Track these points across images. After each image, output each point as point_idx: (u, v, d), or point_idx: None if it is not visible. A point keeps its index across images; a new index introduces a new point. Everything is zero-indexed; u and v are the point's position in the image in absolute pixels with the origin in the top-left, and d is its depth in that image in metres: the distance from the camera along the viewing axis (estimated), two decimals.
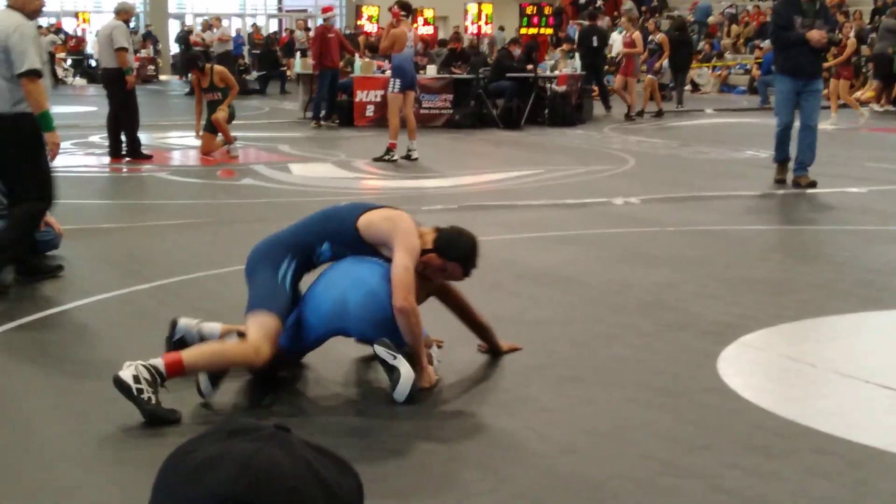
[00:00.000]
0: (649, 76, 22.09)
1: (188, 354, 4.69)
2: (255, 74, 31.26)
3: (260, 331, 4.76)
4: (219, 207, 10.47)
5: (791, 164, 11.92)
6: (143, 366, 4.54)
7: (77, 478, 4.05)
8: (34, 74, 6.60)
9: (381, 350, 4.81)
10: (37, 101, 6.66)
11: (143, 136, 14.93)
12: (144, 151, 14.03)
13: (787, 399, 4.95)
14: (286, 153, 15.07)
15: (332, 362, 5.39)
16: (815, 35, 11.31)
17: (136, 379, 4.49)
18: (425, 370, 4.95)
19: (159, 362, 4.59)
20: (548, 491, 3.93)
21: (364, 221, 5.12)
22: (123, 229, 9.19)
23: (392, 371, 4.79)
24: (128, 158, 13.84)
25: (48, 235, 7.78)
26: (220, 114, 14.39)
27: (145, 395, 4.49)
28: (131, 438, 4.43)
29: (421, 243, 5.09)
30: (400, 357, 4.79)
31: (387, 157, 14.16)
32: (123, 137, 13.94)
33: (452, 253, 5.16)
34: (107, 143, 14.28)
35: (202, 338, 5.26)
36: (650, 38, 23.06)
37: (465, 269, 5.22)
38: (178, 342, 5.24)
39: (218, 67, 15.12)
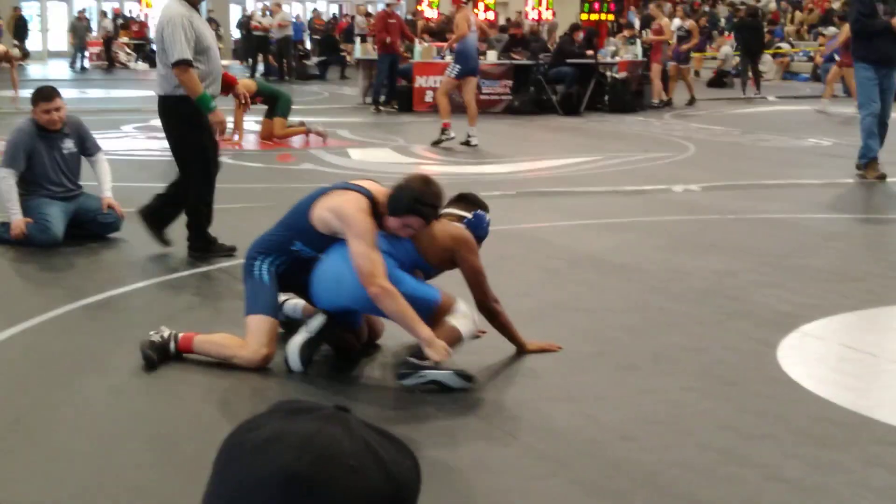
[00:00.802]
0: (673, 63, 21.54)
1: (201, 338, 5.11)
2: (314, 60, 31.40)
3: (254, 335, 5.01)
4: (279, 191, 10.50)
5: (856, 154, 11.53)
6: (168, 331, 5.13)
7: (133, 455, 4.09)
8: (184, 64, 6.99)
9: (409, 382, 4.75)
10: (190, 87, 7.07)
11: None
12: None
13: (848, 389, 4.90)
14: (345, 138, 15.12)
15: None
16: None
17: (157, 333, 5.13)
18: (433, 345, 4.66)
19: (179, 335, 5.13)
20: (605, 477, 3.91)
21: (315, 217, 5.00)
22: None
23: (434, 383, 4.74)
24: None
25: (110, 218, 7.87)
26: (278, 130, 14.34)
27: (153, 336, 5.10)
28: (185, 416, 4.47)
29: (381, 209, 4.93)
30: (424, 370, 4.71)
31: (444, 138, 14.16)
32: None
33: (401, 207, 4.90)
34: None
35: (284, 314, 5.52)
36: (680, 24, 22.58)
37: (422, 215, 4.93)
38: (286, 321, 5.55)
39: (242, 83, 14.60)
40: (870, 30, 11.11)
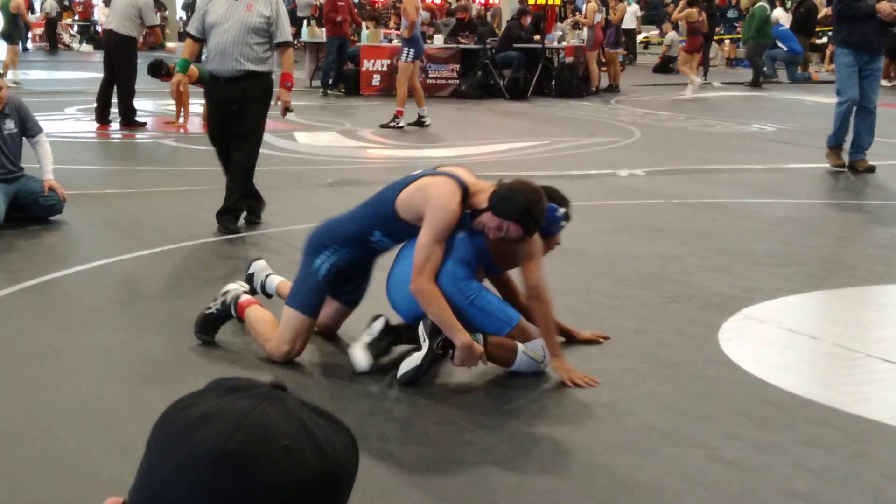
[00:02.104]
0: (609, 50, 21.45)
1: (251, 311, 5.07)
2: None
3: (283, 330, 4.88)
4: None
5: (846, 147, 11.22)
6: (232, 293, 5.19)
7: (76, 437, 4.06)
8: (185, 35, 8.04)
9: (420, 329, 4.68)
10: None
11: (149, 104, 14.94)
12: (139, 119, 13.92)
13: (788, 371, 4.95)
14: (292, 121, 15.02)
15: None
16: (886, 7, 10.54)
17: (220, 297, 5.22)
18: (466, 348, 4.55)
19: (239, 298, 5.17)
20: (545, 457, 3.93)
21: (401, 201, 4.72)
22: (127, 195, 9.18)
23: (414, 351, 4.70)
24: (120, 126, 13.74)
25: (51, 200, 7.78)
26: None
27: (210, 308, 5.20)
28: (128, 398, 4.44)
29: (476, 202, 4.67)
30: (428, 343, 4.61)
31: (392, 124, 14.23)
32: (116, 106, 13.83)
33: (508, 210, 4.58)
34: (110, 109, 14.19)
35: (263, 286, 5.53)
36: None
37: (525, 227, 4.62)
38: (249, 276, 5.62)
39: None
40: (853, 13, 10.74)
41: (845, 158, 11.17)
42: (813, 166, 11.50)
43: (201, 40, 7.78)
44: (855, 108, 10.93)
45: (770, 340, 5.50)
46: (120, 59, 13.47)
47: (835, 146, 11.19)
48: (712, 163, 11.71)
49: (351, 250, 4.89)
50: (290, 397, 1.14)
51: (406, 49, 14.52)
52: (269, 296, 5.51)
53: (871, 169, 10.98)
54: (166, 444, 1.11)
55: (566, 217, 5.13)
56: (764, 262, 6.98)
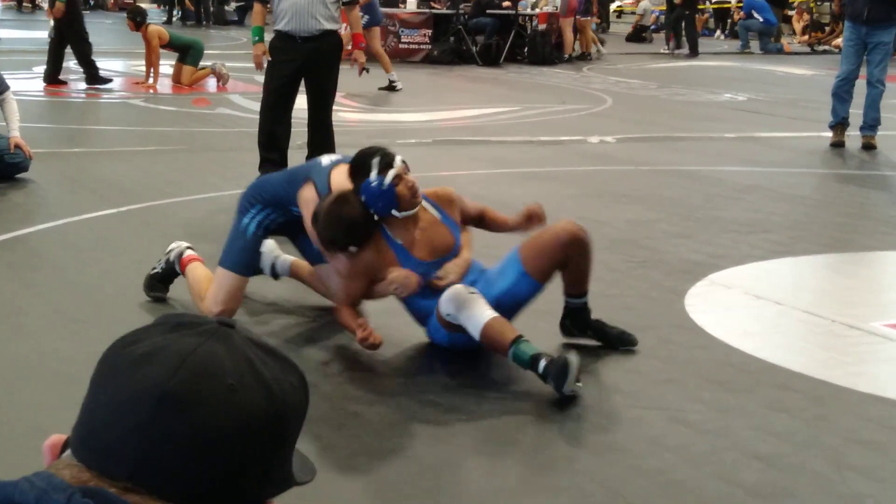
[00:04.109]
0: (580, 18, 21.32)
1: (191, 268, 5.04)
2: (233, 5, 30.90)
3: (215, 290, 4.85)
4: (192, 135, 10.38)
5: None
6: (175, 251, 5.17)
7: (39, 394, 4.03)
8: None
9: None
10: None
11: (119, 65, 14.80)
12: (103, 75, 13.76)
13: (752, 336, 4.97)
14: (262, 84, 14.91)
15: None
16: None
17: (164, 256, 5.19)
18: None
19: (183, 255, 5.13)
20: (506, 422, 3.93)
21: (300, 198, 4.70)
22: (94, 154, 9.11)
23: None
24: (87, 86, 13.59)
25: (18, 158, 7.69)
26: (185, 78, 14.12)
27: (154, 268, 5.20)
28: (91, 355, 4.40)
29: None
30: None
31: (392, 85, 14.63)
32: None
33: (331, 246, 4.52)
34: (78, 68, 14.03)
35: (272, 265, 5.31)
36: None
37: (350, 246, 4.45)
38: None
39: (154, 29, 14.15)
40: None
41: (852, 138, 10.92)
42: (782, 135, 11.53)
43: (267, 1, 8.00)
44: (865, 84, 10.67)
45: (736, 306, 5.52)
46: (64, 19, 13.24)
47: (834, 124, 10.88)
48: (682, 131, 11.73)
49: (275, 212, 4.84)
50: (237, 334, 1.10)
51: (362, 15, 14.51)
52: (277, 277, 5.35)
53: (868, 146, 10.70)
54: (108, 381, 1.08)
55: (392, 180, 4.44)
56: (731, 229, 7.00)
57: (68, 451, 1.07)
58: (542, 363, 4.05)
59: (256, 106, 12.38)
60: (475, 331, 4.19)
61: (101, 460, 1.04)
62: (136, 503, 1.01)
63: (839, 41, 23.23)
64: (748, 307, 5.48)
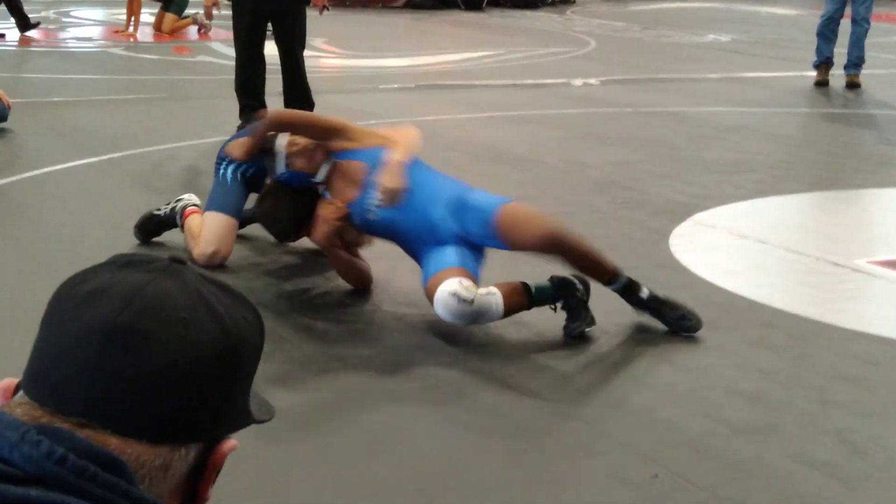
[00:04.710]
0: None
1: (190, 219, 4.96)
2: None
3: (205, 232, 4.86)
4: (173, 84, 10.30)
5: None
6: (184, 202, 5.10)
7: (17, 345, 4.00)
8: None
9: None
10: None
11: (98, 13, 14.63)
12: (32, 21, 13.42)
13: (736, 275, 4.97)
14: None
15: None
16: None
17: (172, 202, 5.14)
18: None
19: (185, 210, 5.04)
20: (482, 356, 3.93)
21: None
22: (74, 103, 9.02)
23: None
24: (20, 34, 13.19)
25: None
26: (167, 26, 13.93)
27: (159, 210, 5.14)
28: None
29: None
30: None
31: None
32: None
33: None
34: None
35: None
36: None
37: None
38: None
39: None
40: None
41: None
42: (766, 75, 11.50)
43: None
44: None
45: (720, 245, 5.52)
46: None
47: (818, 64, 10.84)
48: (666, 72, 11.68)
49: (246, 163, 4.90)
50: (189, 271, 1.08)
51: None
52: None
53: (852, 85, 10.66)
54: (58, 320, 1.06)
55: (286, 166, 4.61)
56: (715, 169, 6.98)
57: (21, 392, 1.06)
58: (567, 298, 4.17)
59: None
60: (497, 316, 4.09)
61: (53, 398, 1.02)
62: (91, 438, 0.99)
63: None
64: (732, 246, 5.47)
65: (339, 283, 4.65)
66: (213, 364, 1.04)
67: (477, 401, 3.60)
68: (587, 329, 4.12)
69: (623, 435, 3.36)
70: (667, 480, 3.06)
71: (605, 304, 4.49)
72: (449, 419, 3.46)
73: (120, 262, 1.09)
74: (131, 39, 13.65)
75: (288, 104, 7.57)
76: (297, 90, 7.69)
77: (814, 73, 10.85)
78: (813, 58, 10.84)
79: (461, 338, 4.12)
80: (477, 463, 3.16)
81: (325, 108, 8.82)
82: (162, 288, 1.04)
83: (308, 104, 7.62)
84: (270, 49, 7.75)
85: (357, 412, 3.51)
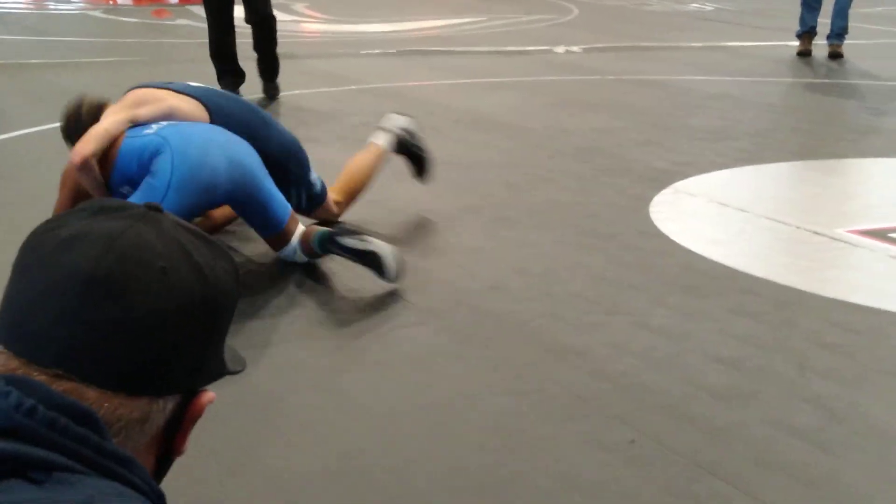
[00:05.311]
0: None
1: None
2: None
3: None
4: (153, 46, 10.23)
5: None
6: None
7: None
8: None
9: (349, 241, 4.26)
10: None
11: None
12: None
13: (716, 243, 4.97)
14: None
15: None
16: None
17: None
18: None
19: None
20: (475, 326, 3.92)
21: None
22: (54, 65, 8.95)
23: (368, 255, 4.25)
24: None
25: None
26: None
27: None
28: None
29: None
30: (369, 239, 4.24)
31: None
32: None
33: None
34: None
35: None
36: None
37: None
38: None
39: None
40: None
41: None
42: (750, 44, 11.47)
43: None
44: None
45: (701, 213, 5.51)
46: None
47: (802, 33, 10.83)
48: (650, 40, 11.65)
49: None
50: (166, 218, 1.06)
51: None
52: None
53: (834, 55, 10.64)
54: (32, 266, 1.04)
55: None
56: (697, 137, 6.97)
57: None
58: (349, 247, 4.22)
59: None
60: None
61: (28, 348, 1.00)
62: (66, 389, 0.97)
63: None
64: (713, 214, 5.47)
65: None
66: (193, 313, 1.03)
67: (450, 367, 3.59)
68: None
69: (601, 400, 3.35)
70: (645, 445, 3.06)
71: (583, 271, 4.49)
72: (421, 386, 3.45)
73: (93, 209, 1.07)
74: (111, 2, 13.55)
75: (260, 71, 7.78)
76: (267, 52, 7.85)
77: (797, 43, 10.83)
78: (797, 27, 10.83)
79: (434, 311, 4.11)
80: (454, 428, 3.15)
81: (307, 74, 8.78)
82: (140, 235, 1.02)
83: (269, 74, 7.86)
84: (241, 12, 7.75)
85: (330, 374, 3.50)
